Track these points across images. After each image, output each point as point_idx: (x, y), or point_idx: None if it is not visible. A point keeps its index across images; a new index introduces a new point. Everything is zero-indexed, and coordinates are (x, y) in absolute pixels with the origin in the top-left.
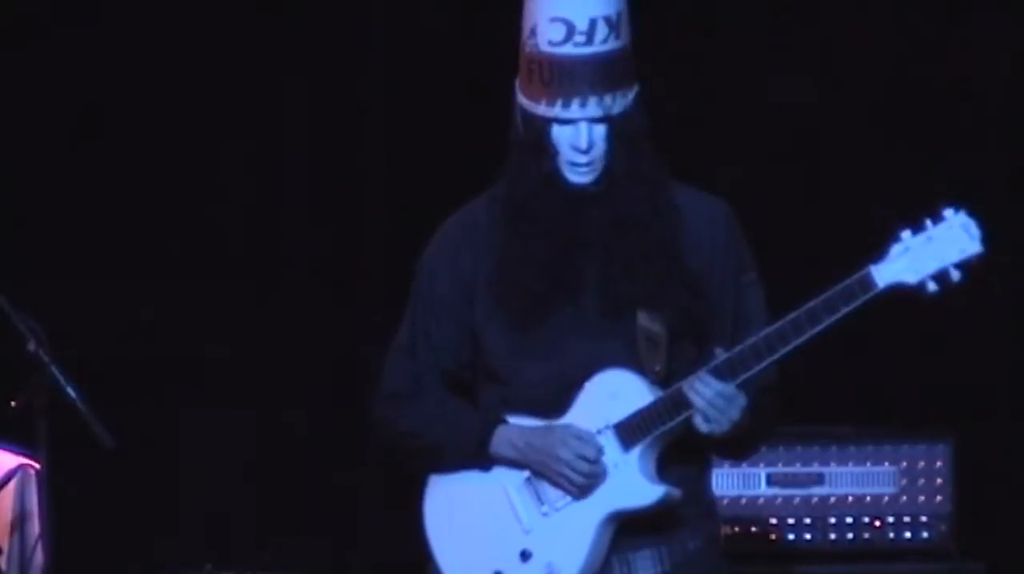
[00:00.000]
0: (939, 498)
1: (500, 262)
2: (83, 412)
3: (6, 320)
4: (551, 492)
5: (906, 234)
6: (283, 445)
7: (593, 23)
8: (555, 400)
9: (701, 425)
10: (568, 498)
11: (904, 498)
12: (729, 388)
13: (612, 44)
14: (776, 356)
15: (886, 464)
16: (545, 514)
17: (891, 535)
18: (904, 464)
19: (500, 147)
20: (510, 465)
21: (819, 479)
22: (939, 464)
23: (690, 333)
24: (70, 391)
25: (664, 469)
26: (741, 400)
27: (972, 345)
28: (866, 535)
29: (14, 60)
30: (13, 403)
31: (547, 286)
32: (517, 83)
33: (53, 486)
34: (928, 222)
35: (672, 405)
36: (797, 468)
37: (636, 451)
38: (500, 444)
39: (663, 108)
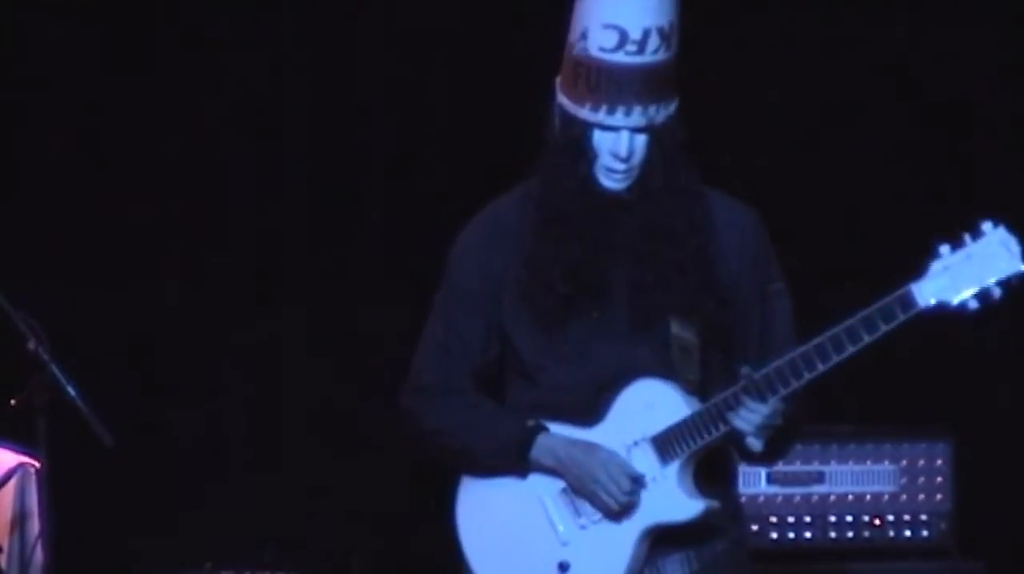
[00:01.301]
0: (939, 496)
1: (529, 262)
2: (83, 411)
3: (6, 319)
4: (589, 504)
5: (945, 250)
6: (283, 445)
7: (647, 33)
8: (587, 406)
9: (754, 445)
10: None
11: (904, 496)
12: (770, 408)
13: (662, 55)
14: (814, 374)
15: (886, 462)
16: (583, 526)
17: (891, 533)
18: (904, 462)
19: (518, 145)
20: (548, 473)
21: (819, 477)
22: (939, 462)
23: (718, 343)
24: (70, 390)
25: (697, 479)
26: (780, 410)
27: (972, 345)
28: (866, 533)
29: (14, 61)
30: (13, 402)
31: (574, 289)
32: (559, 82)
33: (53, 485)
34: (967, 238)
35: (712, 420)
36: (797, 466)
37: (675, 465)
38: (541, 452)
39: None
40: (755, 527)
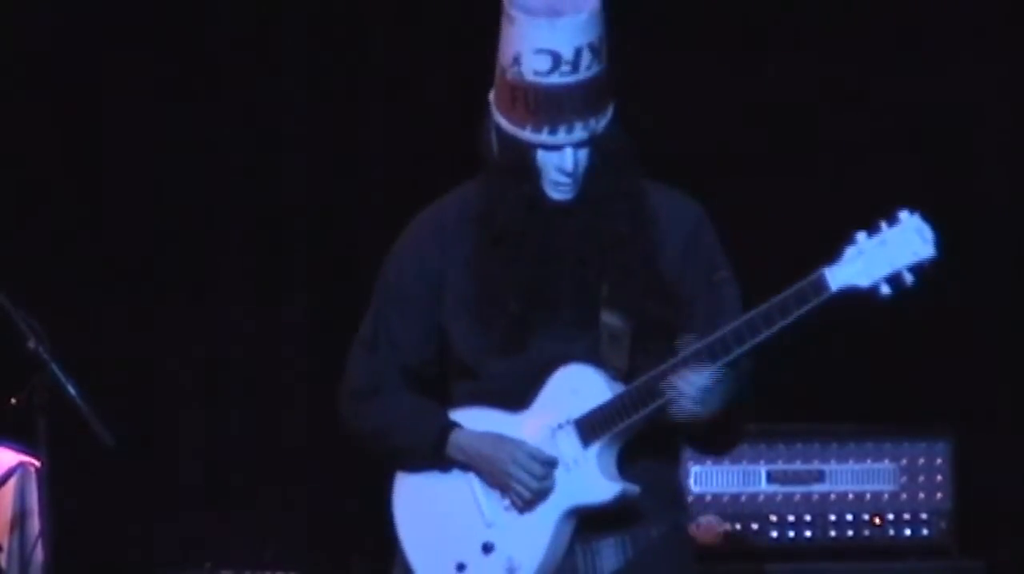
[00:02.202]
0: (939, 495)
1: (477, 280)
2: (83, 410)
3: (6, 318)
4: (502, 496)
5: (861, 236)
6: (283, 445)
7: (579, 52)
8: (521, 393)
9: (677, 414)
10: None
11: (904, 495)
12: (716, 372)
13: (595, 69)
14: (731, 356)
15: (886, 461)
16: (507, 508)
17: (891, 532)
18: (904, 461)
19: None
20: (464, 468)
21: (819, 476)
22: (939, 461)
23: (657, 335)
24: (70, 389)
25: (629, 463)
26: (722, 378)
27: (972, 344)
28: (866, 532)
29: (13, 61)
30: (13, 401)
31: (527, 307)
32: (494, 102)
33: (53, 484)
34: (883, 224)
35: (635, 400)
36: (797, 465)
37: (595, 448)
38: (453, 450)
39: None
40: (755, 526)
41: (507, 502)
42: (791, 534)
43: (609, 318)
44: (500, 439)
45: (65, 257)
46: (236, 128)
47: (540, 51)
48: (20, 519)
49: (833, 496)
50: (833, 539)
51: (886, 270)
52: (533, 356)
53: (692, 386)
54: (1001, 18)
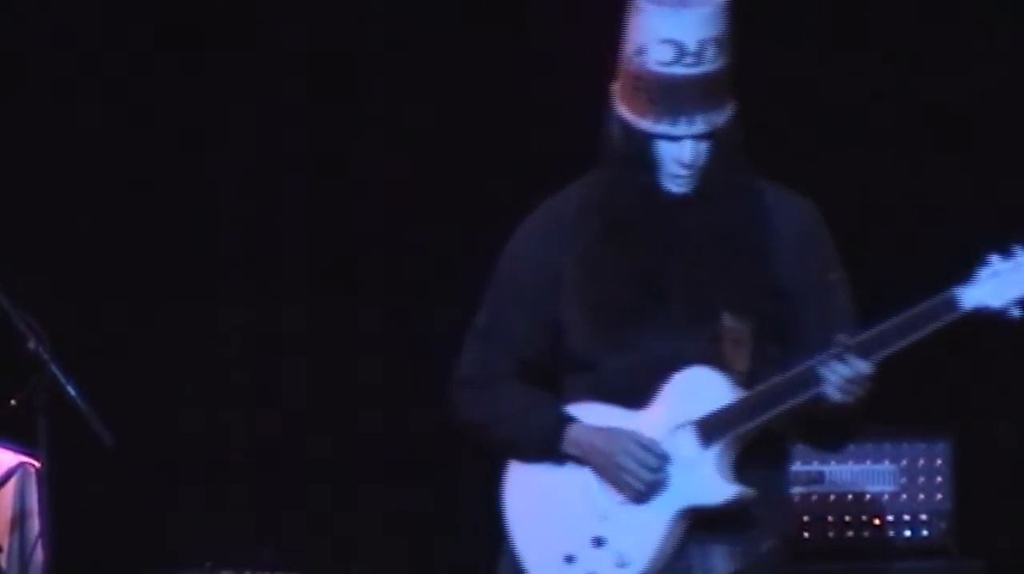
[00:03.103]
0: (939, 496)
1: (590, 268)
2: (83, 410)
3: (6, 318)
4: (616, 491)
5: (995, 259)
6: (283, 445)
7: (703, 44)
8: (638, 391)
9: (841, 399)
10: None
11: (904, 496)
12: (867, 367)
13: (719, 63)
14: (880, 355)
15: (886, 462)
16: (621, 503)
17: (891, 533)
18: (904, 462)
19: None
20: (579, 462)
21: (819, 477)
22: (939, 462)
23: (773, 335)
24: (70, 389)
25: (742, 469)
26: (868, 375)
27: (972, 344)
28: (866, 533)
29: (16, 65)
30: (13, 401)
31: (638, 297)
32: (616, 94)
33: (53, 485)
34: (1018, 249)
35: (759, 406)
36: (797, 466)
37: (715, 449)
38: (567, 444)
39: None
40: None
41: (622, 497)
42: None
43: (731, 321)
44: (613, 432)
45: (65, 257)
46: (236, 127)
47: (664, 41)
48: (20, 519)
49: (833, 497)
50: (833, 540)
51: (1018, 293)
52: (648, 353)
53: (844, 376)
54: None
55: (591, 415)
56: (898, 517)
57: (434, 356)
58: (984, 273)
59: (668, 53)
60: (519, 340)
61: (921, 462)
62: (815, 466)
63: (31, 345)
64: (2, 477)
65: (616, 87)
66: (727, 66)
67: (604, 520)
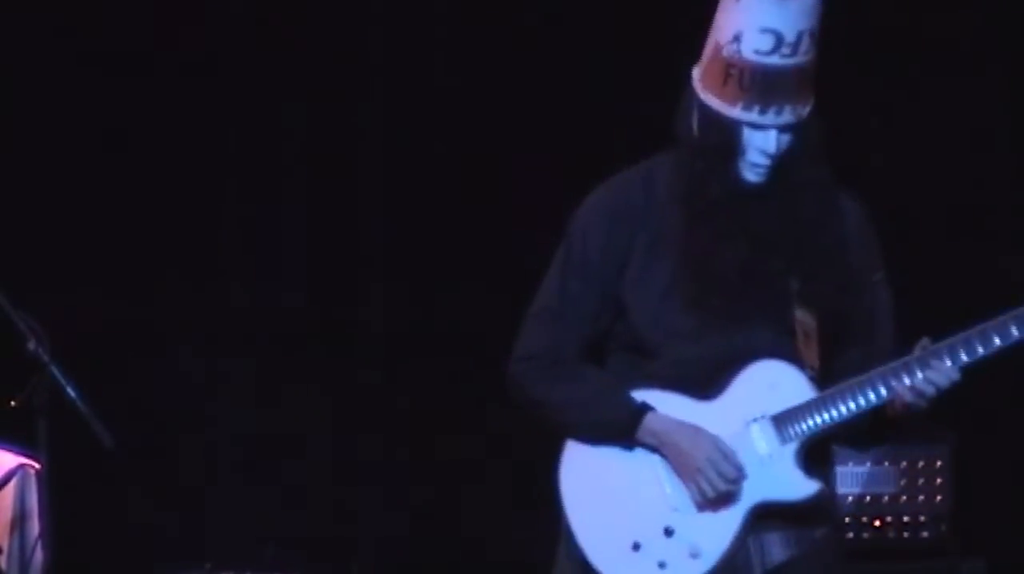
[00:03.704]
0: (939, 497)
1: (695, 257)
2: (83, 411)
3: (6, 319)
4: (686, 489)
5: None
6: (282, 445)
7: (800, 36)
8: (704, 382)
9: (916, 402)
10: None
11: (904, 497)
12: (955, 373)
13: (810, 56)
14: (967, 362)
15: (886, 464)
16: (695, 494)
17: (891, 534)
18: (904, 464)
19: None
20: (651, 449)
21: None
22: (939, 464)
23: (833, 330)
24: (70, 390)
25: (808, 465)
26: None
27: None
28: (866, 534)
29: (16, 65)
30: (13, 402)
31: (713, 285)
32: (700, 81)
33: (53, 485)
34: None
35: (837, 403)
36: None
37: (793, 444)
38: (644, 432)
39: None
40: None
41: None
42: None
43: (803, 315)
44: (698, 432)
45: (65, 257)
46: (235, 127)
47: (765, 30)
48: (20, 520)
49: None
50: None
51: None
52: (719, 342)
53: (938, 385)
54: None
55: (663, 404)
56: (898, 518)
57: (435, 355)
58: None
59: (767, 42)
60: (587, 318)
61: (921, 463)
62: None
63: (31, 345)
64: (2, 478)
65: (699, 74)
66: (816, 60)
67: (675, 510)
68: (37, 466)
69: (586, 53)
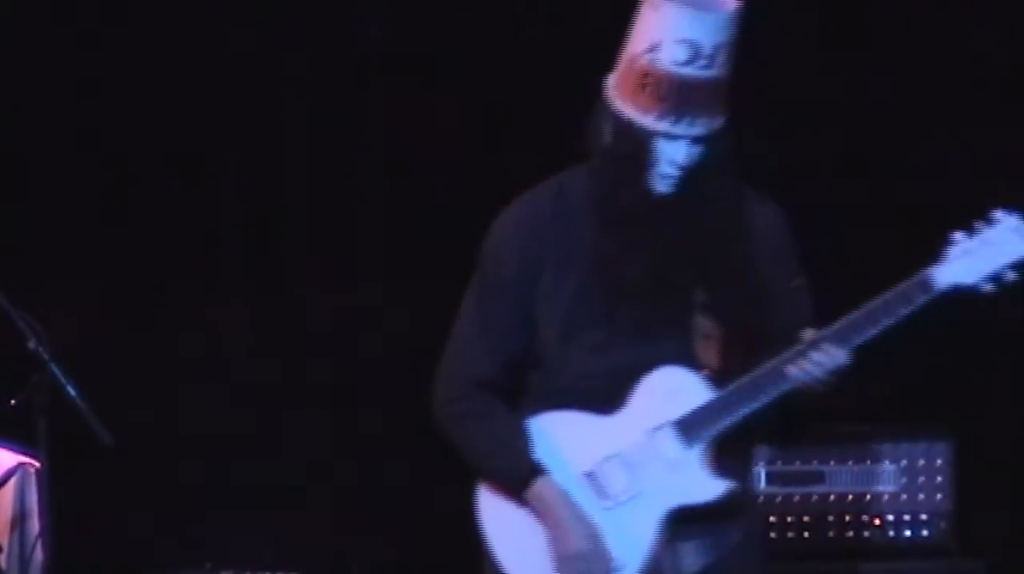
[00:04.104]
0: (939, 496)
1: (570, 266)
2: (83, 411)
3: (6, 318)
4: (613, 485)
5: (959, 237)
6: (283, 445)
7: (717, 48)
8: (609, 394)
9: (813, 388)
10: (633, 490)
11: (904, 496)
12: (843, 357)
13: (726, 69)
14: (856, 342)
15: (886, 462)
16: (607, 508)
17: (891, 533)
18: (904, 462)
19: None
20: (568, 458)
21: (819, 477)
22: (939, 462)
23: (743, 339)
24: (70, 389)
25: (721, 464)
26: (841, 365)
27: (972, 344)
28: (866, 533)
29: (17, 65)
30: (13, 401)
31: (617, 294)
32: (614, 91)
33: (53, 485)
34: (981, 225)
35: (737, 401)
36: (797, 466)
37: (698, 447)
38: (532, 495)
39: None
40: None
41: (608, 502)
42: (791, 535)
43: (703, 321)
44: (578, 518)
45: (65, 257)
46: (235, 127)
47: (683, 41)
48: (20, 520)
49: (833, 497)
50: (833, 540)
51: (989, 268)
52: (621, 355)
53: (826, 368)
54: None
55: (563, 423)
56: (898, 517)
57: (436, 354)
58: (953, 252)
59: (685, 53)
60: (505, 337)
61: (921, 462)
62: (815, 466)
63: (31, 345)
64: (2, 477)
65: (613, 83)
66: (730, 73)
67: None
68: (37, 465)
69: (586, 53)
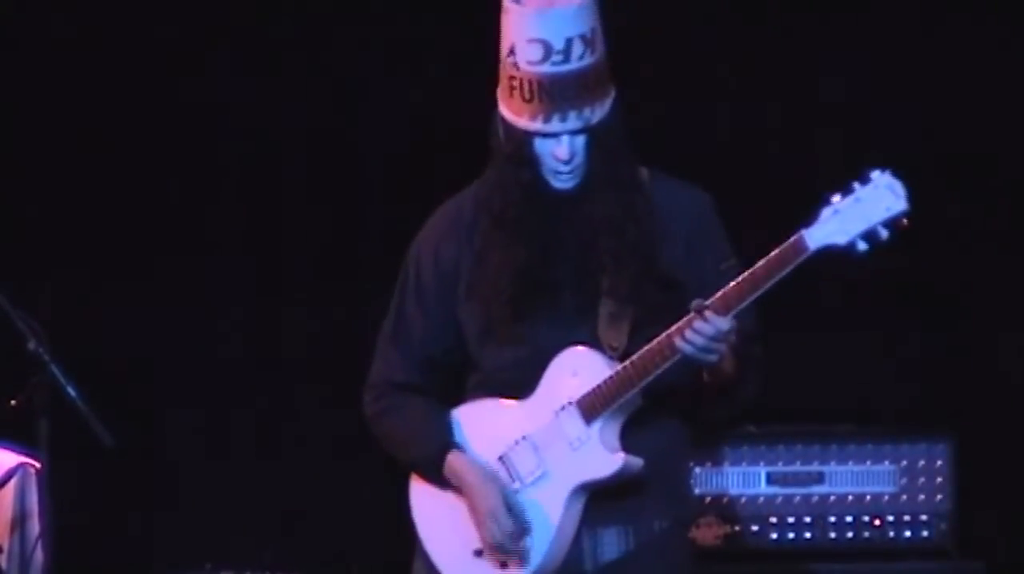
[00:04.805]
0: (939, 497)
1: (478, 267)
2: (83, 411)
3: (6, 319)
4: (522, 467)
5: (835, 198)
6: (283, 445)
7: (569, 42)
8: (525, 382)
9: (704, 357)
10: (539, 471)
11: (904, 497)
12: (725, 323)
13: (588, 60)
14: (738, 308)
15: (886, 463)
16: (516, 490)
17: (891, 534)
18: (904, 463)
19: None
20: (482, 443)
21: (819, 478)
22: (939, 463)
23: (657, 321)
24: (70, 390)
25: (633, 445)
26: (729, 329)
27: (972, 344)
28: (866, 534)
29: (15, 63)
30: (13, 402)
31: (523, 291)
32: (500, 95)
33: (53, 485)
34: (856, 184)
35: (635, 374)
36: (797, 467)
37: (598, 424)
38: (447, 471)
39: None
40: (755, 527)
41: (516, 484)
42: (791, 536)
43: (608, 302)
44: (487, 480)
45: (65, 257)
46: (234, 127)
47: (532, 40)
48: (20, 520)
49: (833, 498)
50: (833, 541)
51: (861, 227)
52: (535, 345)
53: (706, 334)
54: None
55: (479, 411)
56: (898, 517)
57: None
58: (826, 212)
59: (536, 52)
60: (421, 341)
61: (921, 462)
62: (815, 466)
63: (31, 345)
64: (2, 478)
65: (499, 89)
66: (598, 62)
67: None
68: (37, 466)
69: None
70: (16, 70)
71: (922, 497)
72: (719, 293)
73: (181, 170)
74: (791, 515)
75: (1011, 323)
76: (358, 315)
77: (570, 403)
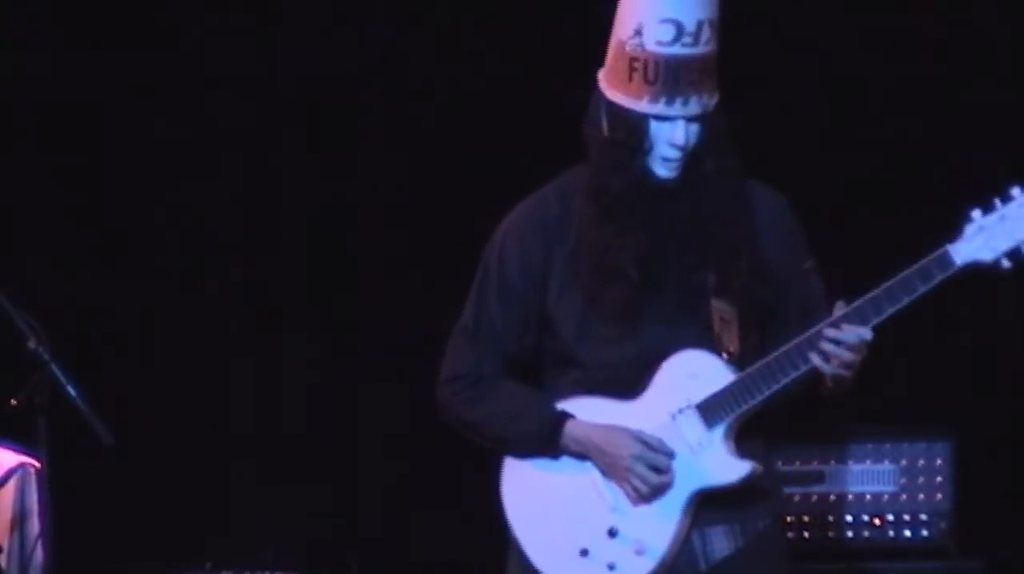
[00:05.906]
0: (939, 496)
1: (595, 254)
2: (83, 410)
3: (6, 318)
4: (620, 491)
5: (976, 214)
6: (283, 445)
7: (700, 25)
8: (629, 381)
9: (837, 371)
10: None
11: (904, 496)
12: (860, 335)
13: (712, 46)
14: (878, 320)
15: (886, 462)
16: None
17: (891, 533)
18: (904, 462)
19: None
20: (578, 457)
21: (819, 477)
22: (939, 462)
23: (756, 320)
24: (70, 389)
25: (742, 447)
26: (864, 341)
27: (972, 344)
28: (866, 533)
29: (12, 61)
30: (13, 401)
31: (642, 275)
32: (604, 80)
33: (53, 485)
34: (997, 202)
35: (760, 382)
36: (797, 466)
37: (720, 429)
38: (567, 439)
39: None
40: None
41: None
42: (790, 535)
43: (719, 303)
44: (616, 432)
45: (65, 257)
46: (234, 127)
47: (664, 21)
48: (20, 520)
49: (833, 497)
50: (832, 540)
51: (1007, 244)
52: (642, 343)
53: (846, 343)
54: None
55: (587, 410)
56: (898, 517)
57: (436, 356)
58: (970, 228)
59: (668, 33)
60: (505, 337)
61: (921, 462)
62: (815, 466)
63: (31, 345)
64: (2, 477)
65: (604, 74)
66: (717, 51)
67: (615, 510)
68: (37, 465)
69: (589, 53)
70: (15, 70)
71: (922, 497)
72: (853, 306)
73: (181, 171)
74: (791, 514)
75: (1011, 323)
76: (360, 317)
77: (689, 406)
